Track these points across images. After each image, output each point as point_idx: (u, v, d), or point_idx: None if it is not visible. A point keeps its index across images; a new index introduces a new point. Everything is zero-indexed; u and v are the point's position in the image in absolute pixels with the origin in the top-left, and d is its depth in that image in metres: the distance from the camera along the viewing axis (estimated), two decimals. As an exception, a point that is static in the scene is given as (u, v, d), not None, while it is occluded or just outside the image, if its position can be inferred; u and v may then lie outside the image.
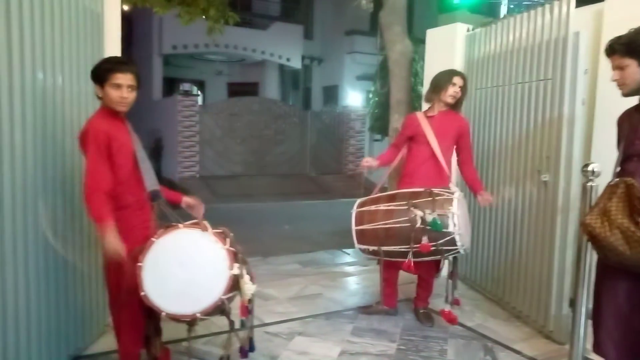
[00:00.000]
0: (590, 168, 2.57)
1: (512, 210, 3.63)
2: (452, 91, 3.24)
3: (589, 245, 2.54)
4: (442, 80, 3.28)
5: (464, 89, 3.27)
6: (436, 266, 3.40)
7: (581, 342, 2.70)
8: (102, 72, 2.23)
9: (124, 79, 2.23)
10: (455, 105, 3.34)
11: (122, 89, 2.23)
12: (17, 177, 2.17)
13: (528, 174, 3.45)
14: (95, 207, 2.15)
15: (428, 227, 2.91)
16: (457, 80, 3.25)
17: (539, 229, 3.33)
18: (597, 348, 2.26)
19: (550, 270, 3.18)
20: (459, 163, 3.44)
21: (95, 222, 2.19)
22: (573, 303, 2.78)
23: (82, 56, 2.74)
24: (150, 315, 2.39)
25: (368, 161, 3.42)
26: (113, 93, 2.23)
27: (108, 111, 2.29)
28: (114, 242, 2.14)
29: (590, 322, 2.37)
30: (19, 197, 2.19)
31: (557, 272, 3.15)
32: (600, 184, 2.38)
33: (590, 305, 2.38)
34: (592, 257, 2.58)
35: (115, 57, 2.50)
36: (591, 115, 3.51)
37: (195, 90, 17.12)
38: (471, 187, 3.42)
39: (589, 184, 2.56)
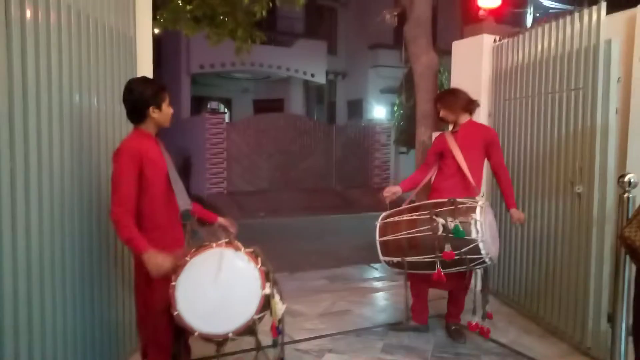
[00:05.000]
0: (626, 179, 2.51)
1: (545, 223, 3.55)
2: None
3: (628, 258, 2.48)
4: None
5: (442, 103, 3.38)
6: (466, 281, 3.33)
7: (622, 358, 2.61)
8: (161, 93, 2.33)
9: None
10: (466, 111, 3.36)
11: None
12: (55, 195, 2.24)
13: (561, 186, 3.37)
14: (127, 231, 2.16)
15: (450, 235, 2.88)
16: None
17: (573, 242, 3.24)
18: (640, 365, 2.18)
19: (587, 285, 3.09)
20: (493, 171, 3.41)
21: (128, 245, 2.22)
22: (612, 318, 2.70)
23: (115, 78, 2.84)
24: (179, 335, 2.39)
25: (390, 191, 3.35)
26: (169, 110, 2.38)
27: (143, 132, 2.35)
28: (159, 262, 2.15)
29: (630, 338, 2.29)
30: (56, 215, 2.25)
31: (594, 287, 3.05)
32: (638, 195, 2.32)
33: (630, 321, 2.30)
34: (631, 271, 2.50)
35: (152, 79, 2.56)
36: (625, 125, 3.42)
37: (222, 108, 17.42)
38: (505, 201, 3.38)
39: (626, 195, 2.50)
